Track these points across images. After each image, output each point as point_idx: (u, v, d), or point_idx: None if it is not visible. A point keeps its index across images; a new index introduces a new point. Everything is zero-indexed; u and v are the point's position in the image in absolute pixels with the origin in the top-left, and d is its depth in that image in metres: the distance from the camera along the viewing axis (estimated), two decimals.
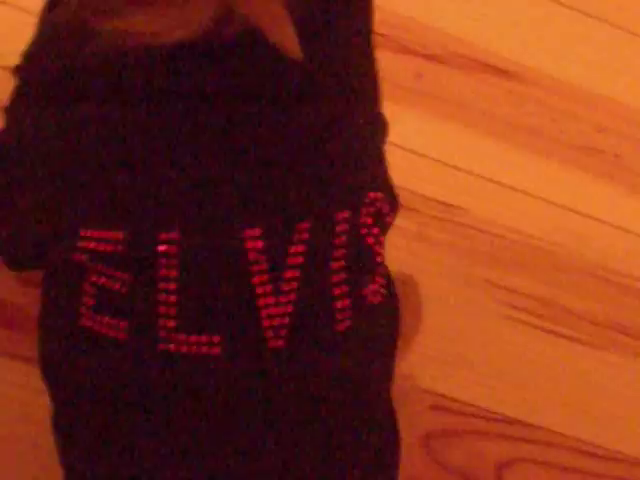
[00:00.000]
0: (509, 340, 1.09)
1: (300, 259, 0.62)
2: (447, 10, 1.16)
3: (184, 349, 0.62)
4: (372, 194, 0.67)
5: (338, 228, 0.64)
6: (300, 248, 0.62)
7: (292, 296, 0.62)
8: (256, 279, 0.61)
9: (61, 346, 0.67)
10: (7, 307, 0.93)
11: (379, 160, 0.73)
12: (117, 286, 0.62)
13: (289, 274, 0.62)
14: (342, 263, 0.64)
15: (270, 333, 0.62)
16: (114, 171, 0.62)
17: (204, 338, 0.61)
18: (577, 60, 1.18)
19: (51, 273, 0.68)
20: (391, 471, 0.74)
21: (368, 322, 0.67)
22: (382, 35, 1.13)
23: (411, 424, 1.03)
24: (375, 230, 0.67)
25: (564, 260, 1.13)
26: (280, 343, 0.62)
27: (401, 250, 1.08)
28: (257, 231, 0.61)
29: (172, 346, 0.62)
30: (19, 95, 0.68)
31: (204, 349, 0.61)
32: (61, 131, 0.63)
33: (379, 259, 0.68)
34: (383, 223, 0.69)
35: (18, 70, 0.69)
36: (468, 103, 1.14)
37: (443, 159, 1.12)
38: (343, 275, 0.64)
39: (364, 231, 0.66)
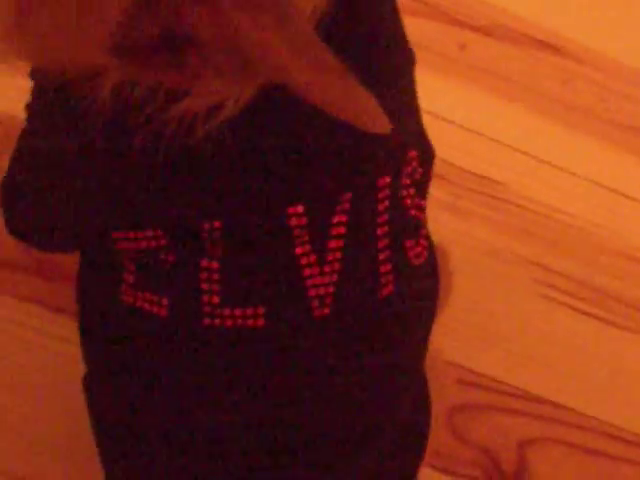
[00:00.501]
0: (542, 319, 1.06)
1: (342, 229, 0.61)
2: None
3: (229, 323, 0.61)
4: (411, 152, 0.66)
5: (380, 194, 0.62)
6: (343, 218, 0.61)
7: (337, 265, 0.62)
8: (299, 250, 0.60)
9: (101, 321, 0.67)
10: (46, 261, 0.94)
11: (415, 107, 0.71)
12: (159, 263, 0.62)
13: (333, 244, 0.61)
14: (386, 228, 0.63)
15: (316, 302, 0.62)
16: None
17: (249, 311, 0.61)
18: (631, 39, 1.15)
19: (88, 250, 0.68)
20: (421, 439, 0.74)
21: (411, 284, 0.66)
22: (427, 3, 1.12)
23: (436, 396, 1.01)
24: (412, 191, 0.66)
25: (604, 242, 1.10)
26: (326, 311, 0.62)
27: (433, 221, 1.05)
28: (300, 208, 0.60)
29: (217, 321, 0.61)
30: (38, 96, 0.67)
31: (249, 322, 0.61)
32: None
33: (420, 220, 0.67)
34: (416, 181, 0.67)
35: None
36: (513, 77, 1.12)
37: (484, 132, 1.10)
38: (387, 240, 0.63)
39: (404, 193, 0.65)
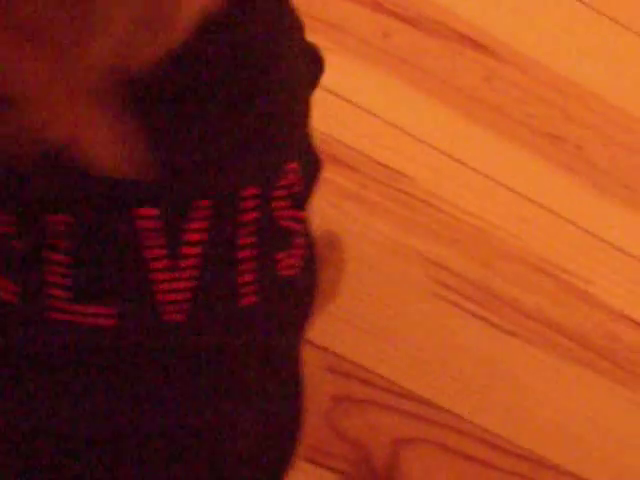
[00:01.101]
0: (433, 318, 1.06)
1: (200, 236, 0.60)
2: None
3: (79, 319, 0.60)
4: (290, 164, 0.64)
5: (245, 205, 0.61)
6: (202, 224, 0.60)
7: (193, 272, 0.60)
8: (149, 253, 0.59)
9: None
10: None
11: (305, 114, 0.69)
12: (10, 249, 0.60)
13: (188, 250, 0.60)
14: (250, 239, 0.62)
15: (169, 308, 0.60)
16: None
17: (100, 309, 0.60)
18: (555, 43, 1.14)
19: None
20: (292, 430, 0.73)
21: (279, 296, 0.65)
22: None
23: (314, 386, 1.01)
24: (286, 203, 0.64)
25: (505, 245, 1.09)
26: (180, 317, 0.61)
27: (336, 208, 1.05)
28: (152, 211, 0.59)
29: (67, 316, 0.60)
30: None
31: (100, 320, 0.60)
32: None
33: (296, 231, 0.66)
34: (293, 194, 0.66)
35: None
36: (433, 70, 1.10)
37: (397, 123, 1.08)
38: (251, 251, 0.62)
39: (276, 205, 0.63)
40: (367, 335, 1.04)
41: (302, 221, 0.67)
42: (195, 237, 0.60)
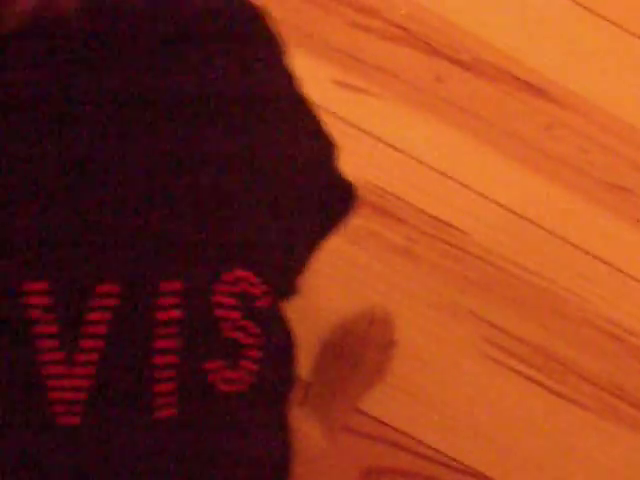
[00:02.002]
0: (485, 382, 0.98)
1: (102, 328, 0.53)
2: (483, 14, 1.05)
3: None
4: (239, 272, 0.56)
5: (163, 301, 0.53)
6: (104, 315, 0.52)
7: (90, 369, 0.53)
8: (41, 343, 0.52)
9: None
10: None
11: (291, 212, 0.61)
12: None
13: (86, 344, 0.53)
14: (172, 343, 0.54)
15: (61, 408, 0.53)
16: None
17: None
18: (621, 89, 1.06)
19: None
20: None
21: (212, 411, 0.57)
22: (406, 30, 1.03)
23: (358, 455, 0.93)
24: (235, 314, 0.56)
25: (567, 305, 1.01)
26: (74, 421, 0.53)
27: (382, 262, 0.98)
28: (42, 285, 0.51)
29: None
30: None
31: None
32: None
33: (247, 344, 0.57)
34: (254, 308, 0.58)
35: None
36: (488, 117, 1.03)
37: (448, 172, 1.01)
38: (172, 358, 0.54)
39: (219, 313, 0.56)
40: (411, 398, 0.96)
41: (258, 335, 0.58)
42: (98, 329, 0.52)
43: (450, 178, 1.01)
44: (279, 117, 0.58)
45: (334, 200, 0.66)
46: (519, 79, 1.04)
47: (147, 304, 0.53)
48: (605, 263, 1.02)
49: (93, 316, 0.52)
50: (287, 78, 0.60)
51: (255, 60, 0.57)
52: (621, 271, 1.02)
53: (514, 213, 1.02)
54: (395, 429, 0.95)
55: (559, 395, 0.98)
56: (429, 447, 0.95)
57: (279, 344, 0.61)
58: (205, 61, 0.54)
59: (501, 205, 1.02)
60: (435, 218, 1.00)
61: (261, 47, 0.58)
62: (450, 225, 1.00)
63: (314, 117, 0.62)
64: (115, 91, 0.51)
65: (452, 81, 1.04)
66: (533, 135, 1.04)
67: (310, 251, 0.64)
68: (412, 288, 0.98)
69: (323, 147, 0.64)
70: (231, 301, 0.55)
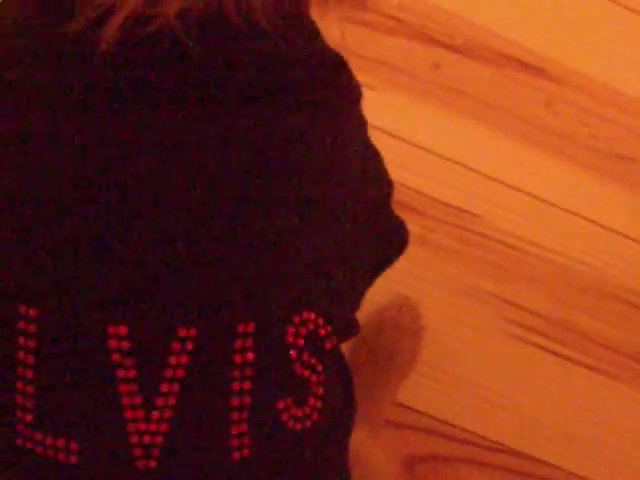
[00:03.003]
0: (514, 362, 0.99)
1: (181, 372, 0.53)
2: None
3: (40, 450, 0.53)
4: (306, 314, 0.57)
5: (238, 343, 0.54)
6: (182, 359, 0.53)
7: (168, 413, 0.53)
8: (122, 387, 0.53)
9: None
10: None
11: (354, 274, 0.61)
12: None
13: (165, 388, 0.53)
14: (246, 385, 0.55)
15: (139, 451, 0.53)
16: None
17: (60, 442, 0.53)
18: (617, 60, 1.07)
19: None
20: None
21: (284, 450, 0.58)
22: (400, 21, 1.04)
23: (397, 446, 0.95)
24: (305, 355, 0.57)
25: (585, 279, 1.03)
26: (151, 464, 0.54)
27: (403, 255, 0.98)
28: (123, 329, 0.52)
29: (29, 444, 0.54)
30: None
31: (61, 455, 0.53)
32: None
33: (313, 381, 0.58)
34: (320, 348, 0.58)
35: None
36: (489, 99, 1.04)
37: (456, 158, 1.02)
38: (246, 399, 0.55)
39: (292, 354, 0.56)
40: (444, 386, 0.97)
41: (321, 373, 0.58)
42: (177, 373, 0.53)
43: (458, 163, 1.02)
44: (352, 163, 0.59)
45: (390, 242, 0.67)
46: (515, 59, 1.05)
47: (224, 347, 0.54)
48: (619, 234, 1.04)
49: (172, 360, 0.53)
50: (362, 124, 0.62)
51: (338, 107, 0.58)
52: (636, 240, 1.04)
53: (524, 192, 1.03)
54: (429, 416, 0.97)
55: (585, 366, 1.00)
56: (464, 430, 0.97)
57: (339, 377, 0.62)
58: (294, 110, 0.54)
59: (510, 185, 1.03)
60: (448, 205, 1.02)
61: (343, 93, 0.59)
62: (464, 210, 1.02)
63: (377, 159, 0.64)
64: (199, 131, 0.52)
65: (449, 67, 1.05)
66: (534, 113, 1.05)
67: (365, 291, 0.65)
68: (432, 276, 1.00)
69: (384, 190, 0.65)
70: (301, 342, 0.56)
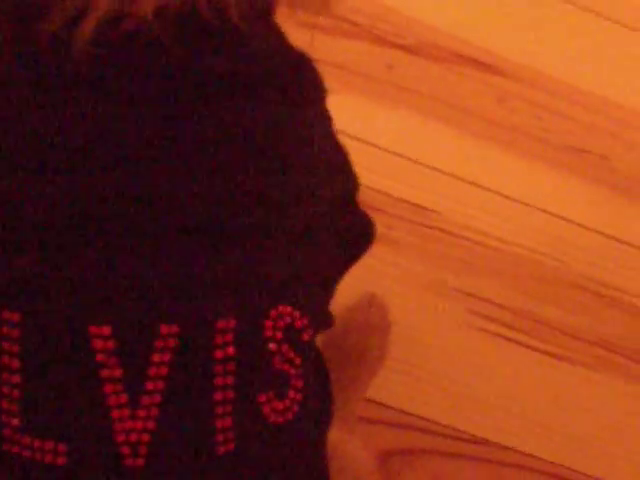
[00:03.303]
0: (481, 354, 1.01)
1: (164, 370, 0.54)
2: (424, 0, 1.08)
3: (27, 454, 0.54)
4: (282, 307, 0.58)
5: (219, 339, 0.55)
6: (165, 356, 0.54)
7: (154, 411, 0.54)
8: (107, 387, 0.53)
9: None
10: None
11: (324, 268, 0.63)
12: None
13: (150, 386, 0.54)
14: (229, 379, 0.55)
15: (126, 449, 0.54)
16: None
17: (48, 445, 0.53)
18: (565, 54, 1.10)
19: None
20: None
21: (266, 443, 0.58)
22: (355, 24, 1.06)
23: (369, 442, 0.96)
24: (284, 348, 0.58)
25: (545, 269, 1.05)
26: (139, 462, 0.54)
27: (367, 255, 1.00)
28: (106, 329, 0.52)
29: (15, 448, 0.54)
30: None
31: (48, 457, 0.53)
32: None
33: (292, 374, 0.59)
34: (297, 340, 0.59)
35: None
36: (443, 97, 1.06)
37: (414, 157, 1.04)
38: (229, 393, 0.56)
39: (271, 347, 0.57)
40: (412, 379, 0.99)
41: (299, 366, 0.60)
42: (161, 371, 0.54)
43: (415, 161, 1.04)
44: (319, 156, 0.61)
45: (357, 236, 0.68)
46: (465, 57, 1.08)
47: (205, 343, 0.54)
48: (575, 224, 1.06)
49: (156, 358, 0.53)
50: (329, 119, 0.63)
51: (308, 101, 0.59)
52: (594, 230, 1.06)
53: (480, 187, 1.05)
54: (401, 410, 0.98)
55: (549, 354, 1.02)
56: (436, 423, 0.98)
57: (316, 371, 0.63)
58: (269, 103, 0.55)
59: (468, 181, 1.05)
60: (408, 202, 1.03)
61: (312, 88, 0.60)
62: (423, 207, 1.03)
63: (343, 153, 0.65)
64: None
65: (403, 67, 1.07)
66: (487, 109, 1.07)
67: (335, 284, 0.66)
68: (397, 273, 1.01)
69: (350, 184, 0.66)
70: (279, 335, 0.57)
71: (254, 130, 0.55)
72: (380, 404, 0.97)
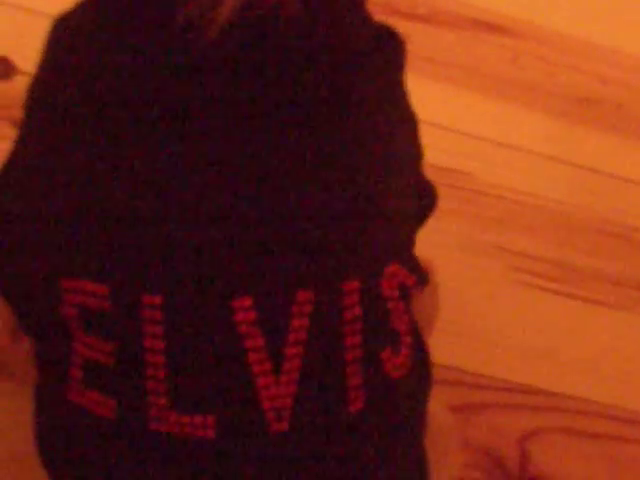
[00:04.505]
0: (524, 306, 1.04)
1: (302, 335, 0.56)
2: None
3: (176, 430, 0.56)
4: (394, 266, 0.60)
5: (347, 300, 0.57)
6: (303, 322, 0.56)
7: (294, 375, 0.56)
8: (251, 356, 0.55)
9: (51, 422, 0.62)
10: None
11: (411, 226, 0.66)
12: (102, 358, 0.57)
13: (291, 351, 0.56)
14: (357, 339, 0.58)
15: (272, 415, 0.56)
16: (102, 214, 0.55)
17: (197, 419, 0.56)
18: (573, 10, 1.13)
19: (40, 338, 0.62)
20: None
21: (388, 398, 0.61)
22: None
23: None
24: (400, 305, 0.61)
25: (575, 219, 1.08)
26: (283, 426, 0.57)
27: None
28: (247, 301, 0.54)
29: (164, 426, 0.56)
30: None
31: (198, 431, 0.56)
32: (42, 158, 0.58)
33: (404, 331, 0.62)
34: (408, 297, 0.62)
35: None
36: (458, 62, 1.09)
37: (438, 122, 1.07)
38: (358, 352, 0.58)
39: (390, 305, 0.60)
40: (462, 338, 1.02)
41: (409, 323, 0.63)
42: (300, 336, 0.56)
43: (440, 126, 1.07)
44: (404, 124, 0.63)
45: (427, 202, 0.72)
46: (477, 20, 1.10)
47: (336, 305, 0.57)
48: (596, 172, 1.10)
49: (294, 323, 0.56)
50: (404, 88, 0.67)
51: (398, 75, 0.64)
52: (610, 175, 1.10)
53: (503, 145, 1.08)
54: (455, 368, 1.01)
55: (591, 302, 1.06)
56: (491, 377, 1.01)
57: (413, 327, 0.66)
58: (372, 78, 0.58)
59: (489, 140, 1.08)
60: (437, 167, 1.06)
61: (398, 60, 0.65)
62: (453, 170, 1.06)
63: (415, 121, 0.67)
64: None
65: (416, 36, 1.09)
66: (502, 69, 1.10)
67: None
68: (435, 238, 1.04)
69: (419, 150, 0.70)
70: (396, 293, 0.60)
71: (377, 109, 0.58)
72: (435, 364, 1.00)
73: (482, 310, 1.03)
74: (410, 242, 0.65)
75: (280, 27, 0.53)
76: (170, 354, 0.55)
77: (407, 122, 0.66)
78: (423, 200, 0.72)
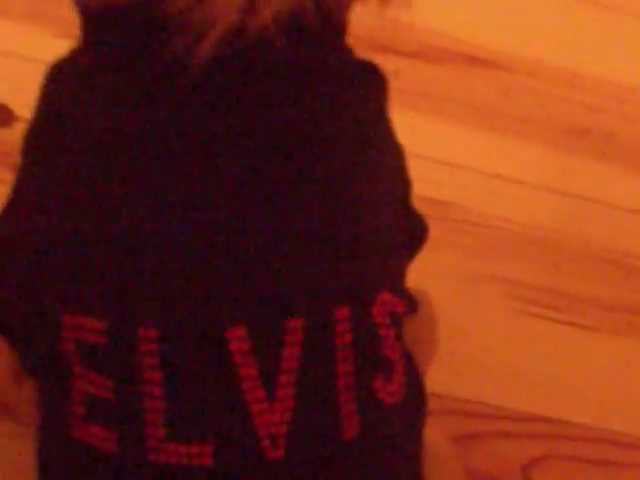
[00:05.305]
0: (522, 335, 1.06)
1: (294, 363, 0.57)
2: (419, 5, 1.12)
3: (174, 460, 0.57)
4: (385, 294, 0.62)
5: (339, 327, 0.58)
6: (295, 351, 0.57)
7: (289, 403, 0.57)
8: (246, 385, 0.56)
9: (54, 461, 0.63)
10: None
11: (400, 256, 0.67)
12: (102, 393, 0.58)
13: (284, 379, 0.57)
14: (349, 366, 0.59)
15: (267, 442, 0.57)
16: (97, 245, 0.57)
17: (194, 449, 0.57)
18: (559, 42, 1.15)
19: (40, 376, 0.64)
20: None
21: (382, 425, 0.62)
22: (358, 37, 1.10)
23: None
24: (390, 333, 0.62)
25: (566, 247, 1.10)
26: (279, 454, 0.57)
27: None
28: (241, 331, 0.56)
29: (162, 457, 0.57)
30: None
31: (195, 460, 0.57)
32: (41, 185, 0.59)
33: (396, 358, 0.63)
34: (398, 325, 0.63)
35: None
36: (449, 96, 1.11)
37: (429, 155, 1.08)
38: (351, 379, 0.59)
39: (381, 333, 0.61)
40: (463, 367, 1.03)
41: (398, 350, 0.63)
42: (291, 364, 0.57)
43: (432, 160, 1.09)
44: (388, 156, 0.65)
45: (416, 236, 0.73)
46: (468, 55, 1.12)
47: (328, 332, 0.58)
48: (586, 200, 1.11)
49: (286, 352, 0.57)
50: (388, 121, 0.68)
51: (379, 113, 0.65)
52: (600, 202, 1.12)
53: (495, 176, 1.10)
54: (452, 397, 1.02)
55: (586, 328, 1.07)
56: (488, 405, 1.02)
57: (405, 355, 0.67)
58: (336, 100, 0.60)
59: (481, 172, 1.10)
60: (432, 200, 1.07)
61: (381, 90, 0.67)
62: (445, 202, 1.08)
63: (401, 153, 0.69)
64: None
65: (408, 71, 1.11)
66: (494, 102, 1.12)
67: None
68: (432, 270, 1.05)
69: (408, 182, 0.71)
70: (387, 320, 0.61)
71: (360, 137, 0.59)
72: (432, 394, 1.01)
73: (481, 339, 1.04)
74: (399, 272, 0.67)
75: (263, 60, 0.54)
76: (167, 385, 0.56)
77: (392, 154, 0.67)
78: (413, 231, 0.73)
